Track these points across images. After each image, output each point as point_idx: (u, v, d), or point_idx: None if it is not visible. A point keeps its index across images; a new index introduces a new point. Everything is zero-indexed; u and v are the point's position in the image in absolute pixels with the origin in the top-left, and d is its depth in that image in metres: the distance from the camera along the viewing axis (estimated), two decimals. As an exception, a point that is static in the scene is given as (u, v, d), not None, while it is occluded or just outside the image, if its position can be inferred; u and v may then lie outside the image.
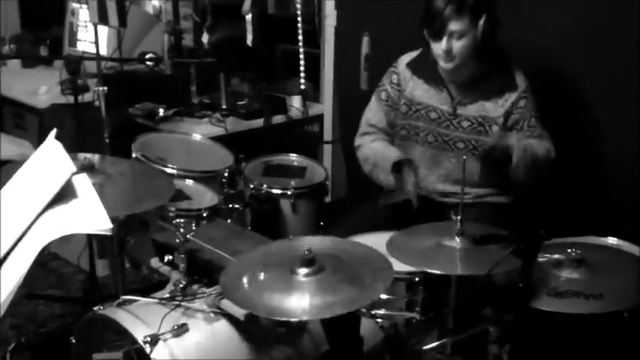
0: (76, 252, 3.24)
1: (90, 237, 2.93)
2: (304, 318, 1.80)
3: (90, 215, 1.47)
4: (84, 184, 1.54)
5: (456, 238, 1.91)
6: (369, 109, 2.64)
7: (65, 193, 1.50)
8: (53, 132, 1.67)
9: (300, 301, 1.66)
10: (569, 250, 1.93)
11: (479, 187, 2.49)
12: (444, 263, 1.88)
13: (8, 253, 1.44)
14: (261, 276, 1.74)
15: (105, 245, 3.03)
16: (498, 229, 1.99)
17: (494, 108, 2.44)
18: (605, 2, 2.57)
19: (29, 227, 1.46)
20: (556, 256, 1.94)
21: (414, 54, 2.56)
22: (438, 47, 2.35)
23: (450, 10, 2.27)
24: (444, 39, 2.32)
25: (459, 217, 1.91)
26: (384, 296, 1.98)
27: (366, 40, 3.18)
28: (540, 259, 1.88)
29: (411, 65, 2.53)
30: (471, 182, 2.44)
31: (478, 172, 2.45)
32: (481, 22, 2.30)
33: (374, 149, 2.56)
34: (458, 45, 2.32)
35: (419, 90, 2.51)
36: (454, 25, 2.29)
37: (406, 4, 3.07)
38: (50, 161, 1.59)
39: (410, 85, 2.52)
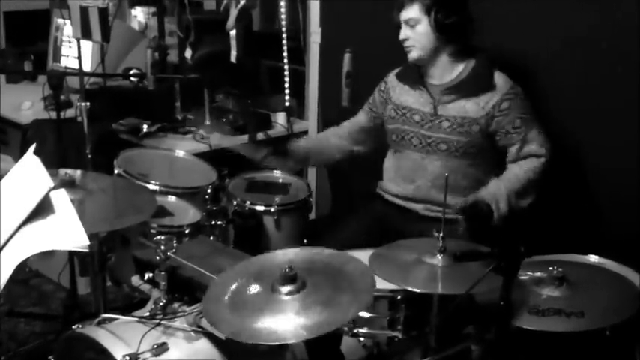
0: (57, 269, 3.20)
1: (71, 254, 2.90)
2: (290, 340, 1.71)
3: (67, 231, 1.45)
4: (62, 199, 1.53)
5: (438, 255, 1.91)
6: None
7: (43, 209, 1.49)
8: (32, 147, 1.66)
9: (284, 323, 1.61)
10: (550, 268, 1.92)
11: (463, 196, 2.47)
12: (425, 281, 1.87)
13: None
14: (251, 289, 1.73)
15: (86, 262, 3.00)
16: (479, 246, 1.99)
17: (474, 109, 2.47)
18: (599, 9, 2.54)
19: (6, 243, 1.45)
20: (537, 273, 1.94)
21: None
22: None
23: None
24: (402, 28, 2.49)
25: (440, 234, 1.91)
26: (366, 314, 1.97)
27: (347, 56, 3.18)
28: (521, 277, 1.88)
29: (398, 74, 2.66)
30: (454, 188, 2.42)
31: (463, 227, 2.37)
32: (432, 10, 2.42)
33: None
34: (412, 34, 2.48)
35: (405, 95, 2.61)
36: (406, 14, 2.47)
37: (390, 21, 3.10)
38: (28, 177, 1.57)
39: (397, 92, 2.63)
